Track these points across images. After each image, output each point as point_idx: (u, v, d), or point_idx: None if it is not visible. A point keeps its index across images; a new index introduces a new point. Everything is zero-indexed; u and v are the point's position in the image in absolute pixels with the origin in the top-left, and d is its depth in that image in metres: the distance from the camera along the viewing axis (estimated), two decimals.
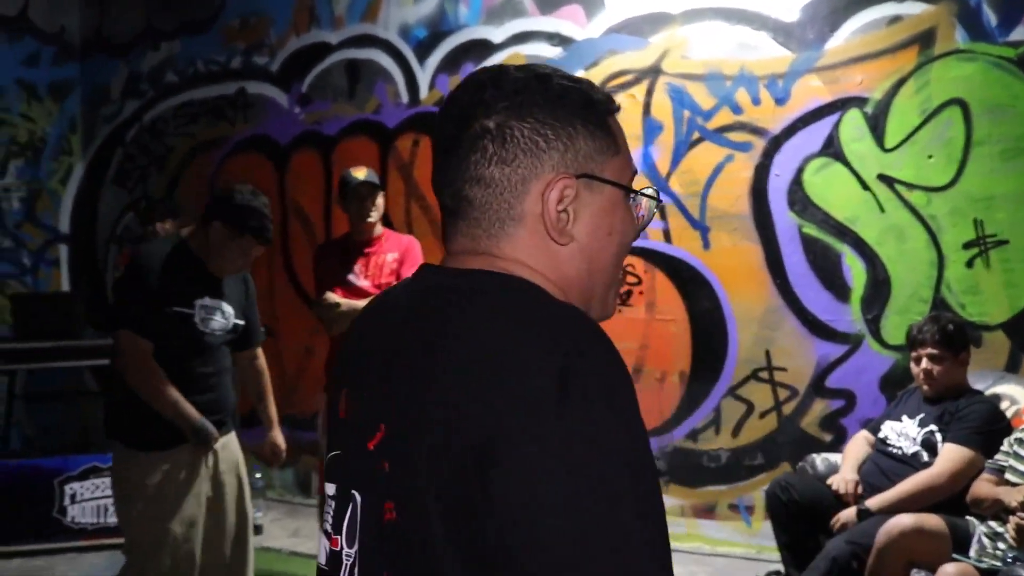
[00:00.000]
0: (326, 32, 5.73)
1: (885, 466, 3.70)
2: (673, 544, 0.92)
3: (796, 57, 4.49)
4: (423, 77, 5.43)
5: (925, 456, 3.60)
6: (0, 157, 6.05)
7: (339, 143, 5.75)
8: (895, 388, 4.20)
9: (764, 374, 4.61)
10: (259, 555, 3.61)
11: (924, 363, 3.68)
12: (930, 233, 4.25)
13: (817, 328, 4.49)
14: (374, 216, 4.19)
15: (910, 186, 4.29)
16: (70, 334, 5.16)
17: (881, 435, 3.82)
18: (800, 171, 4.50)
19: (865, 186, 4.38)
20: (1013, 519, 3.12)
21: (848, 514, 3.58)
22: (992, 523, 3.32)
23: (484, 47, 5.21)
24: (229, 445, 3.31)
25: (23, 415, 5.91)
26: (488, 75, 1.06)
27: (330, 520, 1.05)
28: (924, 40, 4.24)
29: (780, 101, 4.52)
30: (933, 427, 3.62)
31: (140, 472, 3.11)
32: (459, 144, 1.02)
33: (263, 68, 5.99)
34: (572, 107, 1.03)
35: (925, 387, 3.71)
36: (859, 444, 3.94)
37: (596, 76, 4.88)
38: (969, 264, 4.18)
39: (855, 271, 4.42)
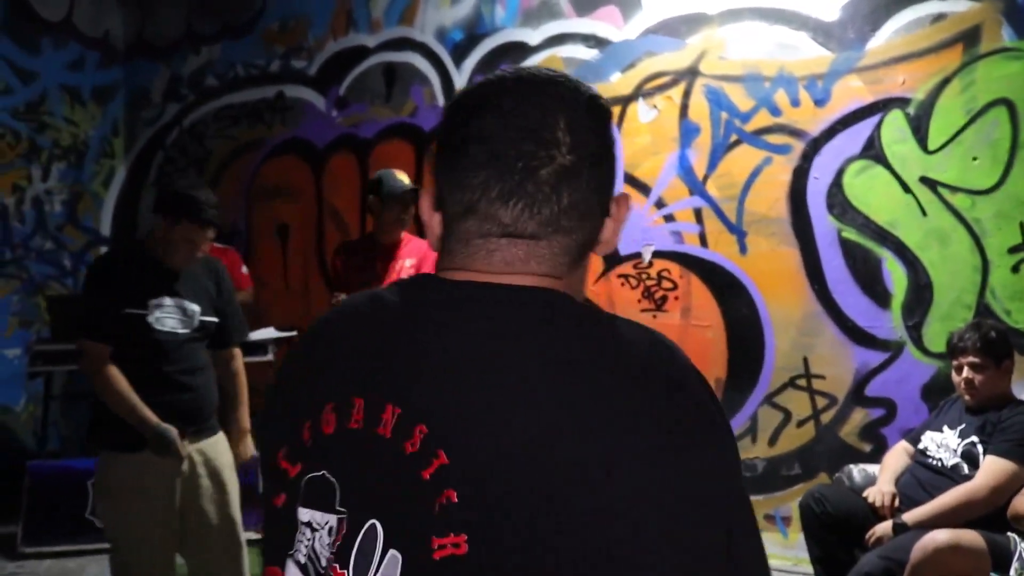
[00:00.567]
0: (363, 35, 5.75)
1: (924, 478, 3.60)
2: None
3: (836, 57, 4.40)
4: (459, 80, 5.42)
5: (965, 468, 3.50)
6: (43, 160, 6.15)
7: (375, 146, 5.76)
8: (937, 397, 4.08)
9: (802, 382, 4.52)
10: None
11: (965, 372, 3.58)
12: (974, 237, 4.14)
13: (857, 335, 4.40)
14: (407, 225, 4.22)
15: (954, 189, 4.18)
16: None
17: (921, 446, 3.72)
18: (840, 174, 4.41)
19: (907, 189, 4.27)
20: None
21: (883, 528, 3.48)
22: None
23: (520, 49, 5.18)
24: (214, 447, 3.27)
25: (60, 416, 5.99)
26: (564, 84, 1.03)
27: (318, 550, 0.97)
28: (969, 38, 4.13)
29: (820, 102, 4.44)
30: (974, 438, 3.52)
31: (107, 472, 3.13)
32: (542, 162, 0.97)
33: (301, 71, 6.03)
34: (609, 120, 1.06)
35: (966, 397, 3.61)
36: (898, 455, 3.85)
37: (633, 78, 4.84)
38: (1015, 269, 4.06)
39: (896, 276, 4.32)
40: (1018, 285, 4.05)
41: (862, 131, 4.36)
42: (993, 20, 4.08)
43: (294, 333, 5.37)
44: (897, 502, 3.61)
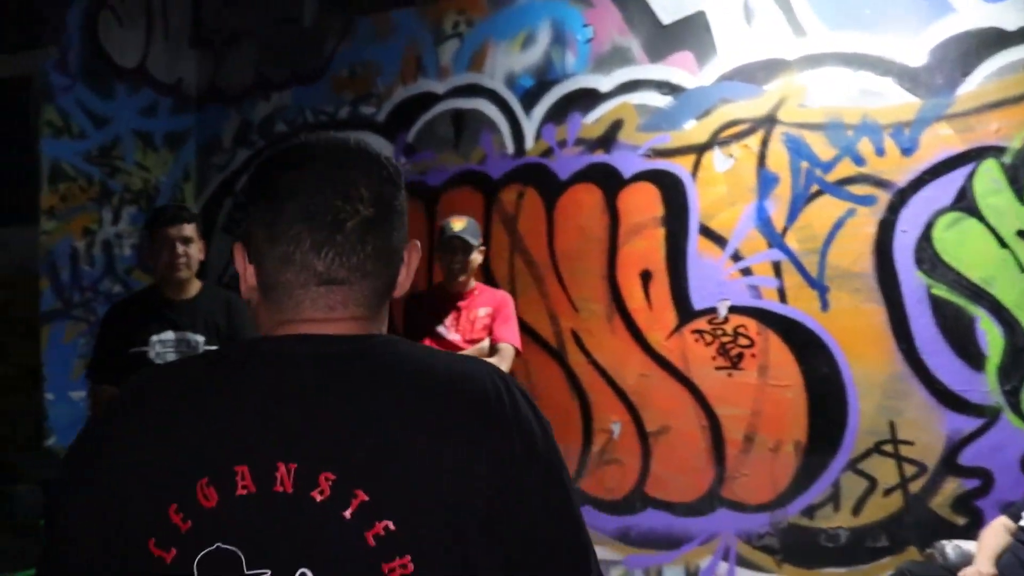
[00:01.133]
0: (432, 81, 5.70)
1: None
2: None
3: (924, 104, 4.19)
4: (529, 127, 5.32)
5: None
6: (114, 204, 6.20)
7: (444, 194, 5.68)
8: None
9: (888, 447, 4.26)
10: None
11: None
12: None
13: (948, 399, 4.13)
14: (461, 274, 4.08)
15: None
16: None
17: (1023, 523, 3.45)
18: (929, 227, 4.19)
19: (1003, 244, 4.03)
20: None
21: None
22: None
23: (591, 96, 5.07)
24: None
25: None
26: (362, 148, 1.23)
27: None
28: None
29: (907, 151, 4.23)
30: None
31: None
32: (349, 215, 1.14)
33: (370, 118, 6.00)
34: (400, 179, 1.26)
35: None
36: (997, 532, 3.57)
37: (708, 126, 4.69)
38: None
39: (991, 337, 4.05)
40: None
41: (953, 181, 4.13)
42: None
43: None
44: None
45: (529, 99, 5.31)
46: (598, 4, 5.05)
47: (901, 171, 4.25)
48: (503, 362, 3.95)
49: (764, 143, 4.56)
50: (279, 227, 1.14)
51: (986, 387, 4.07)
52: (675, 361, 4.81)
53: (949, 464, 4.13)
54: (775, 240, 4.52)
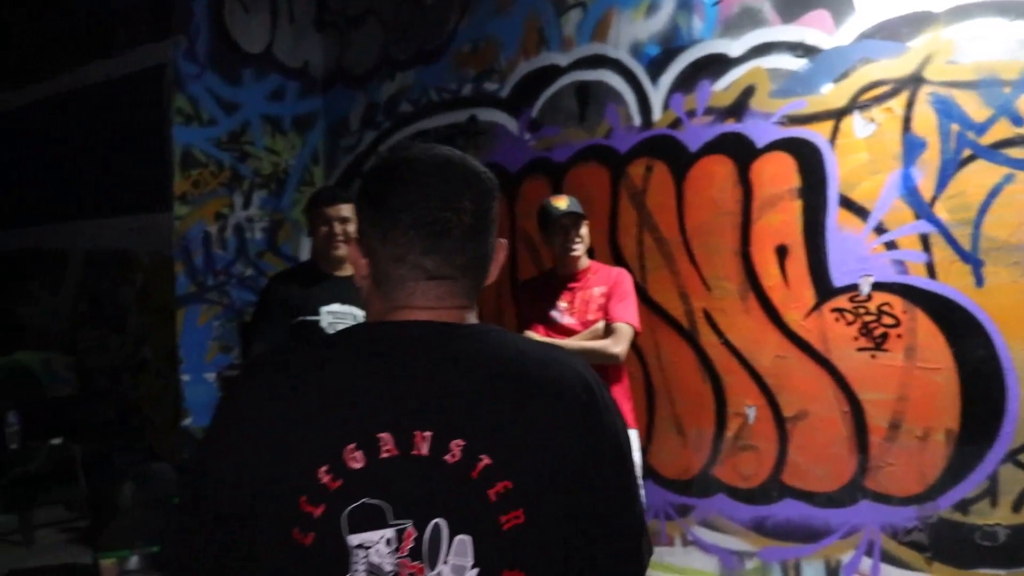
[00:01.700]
0: (555, 54, 5.56)
1: None
2: None
3: None
4: (656, 97, 5.11)
5: None
6: (244, 188, 6.33)
7: (569, 170, 5.54)
8: None
9: None
10: None
11: None
12: None
13: None
14: (579, 248, 3.93)
15: None
16: None
17: None
18: None
19: None
20: None
21: None
22: None
23: (721, 62, 4.82)
24: None
25: None
26: (465, 162, 1.40)
27: (377, 561, 1.25)
28: None
29: None
30: None
31: None
32: (454, 225, 1.35)
33: (493, 94, 5.91)
34: (496, 190, 1.44)
35: None
36: None
37: (847, 88, 4.39)
38: None
39: None
40: None
41: None
42: None
43: None
44: None
45: (655, 68, 5.10)
46: None
47: None
48: (619, 343, 3.77)
49: (909, 105, 4.21)
50: (393, 233, 1.34)
51: None
52: (814, 342, 4.54)
53: None
54: (923, 211, 4.19)
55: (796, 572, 4.61)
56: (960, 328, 4.11)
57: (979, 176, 4.05)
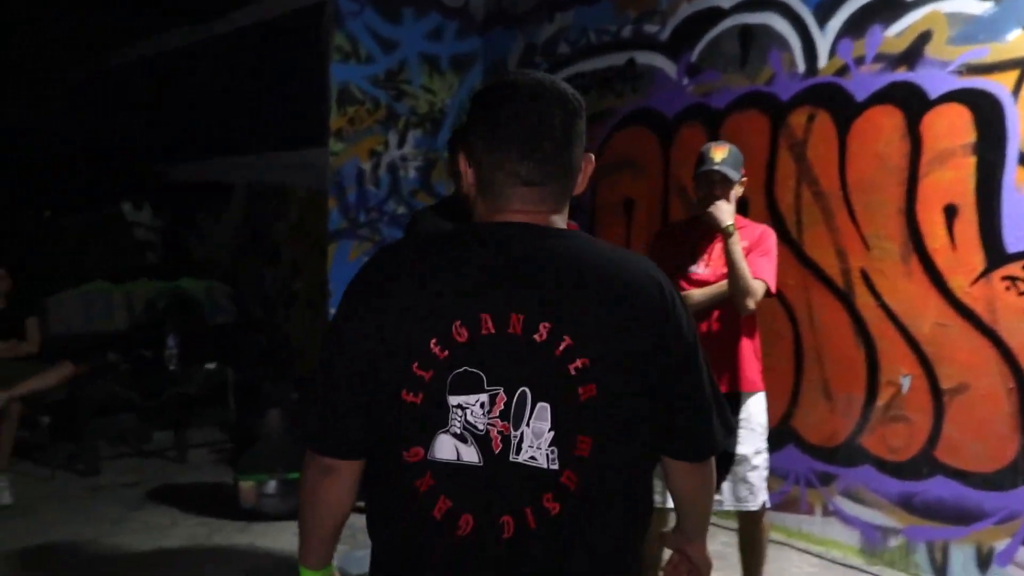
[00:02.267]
0: None
1: None
2: None
3: None
4: (823, 43, 4.87)
5: None
6: (400, 127, 6.43)
7: (727, 117, 5.37)
8: None
9: None
10: None
11: None
12: None
13: None
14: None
15: None
16: None
17: None
18: None
19: None
20: None
21: None
22: None
23: (894, 5, 4.54)
24: None
25: None
26: (556, 85, 1.63)
27: (471, 420, 1.53)
28: None
29: None
30: None
31: None
32: (546, 138, 1.59)
33: (653, 37, 5.76)
34: (583, 109, 1.67)
35: None
36: None
37: None
38: None
39: None
40: None
41: None
42: None
43: None
44: None
45: (823, 11, 4.86)
46: None
47: None
48: (752, 298, 3.61)
49: None
50: (494, 142, 1.59)
51: None
52: (980, 311, 4.27)
53: None
54: None
55: (943, 555, 4.39)
56: None
57: None
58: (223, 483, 5.70)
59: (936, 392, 4.43)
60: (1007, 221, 4.19)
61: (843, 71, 4.76)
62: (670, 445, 1.70)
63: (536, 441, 1.53)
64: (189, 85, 8.43)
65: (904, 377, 4.54)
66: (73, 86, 9.15)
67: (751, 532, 3.91)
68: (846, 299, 4.79)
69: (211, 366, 6.39)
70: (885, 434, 4.62)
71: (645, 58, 5.84)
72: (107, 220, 8.38)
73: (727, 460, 3.74)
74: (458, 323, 1.52)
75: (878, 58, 4.60)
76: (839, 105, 4.78)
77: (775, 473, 4.45)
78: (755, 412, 3.81)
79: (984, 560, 4.25)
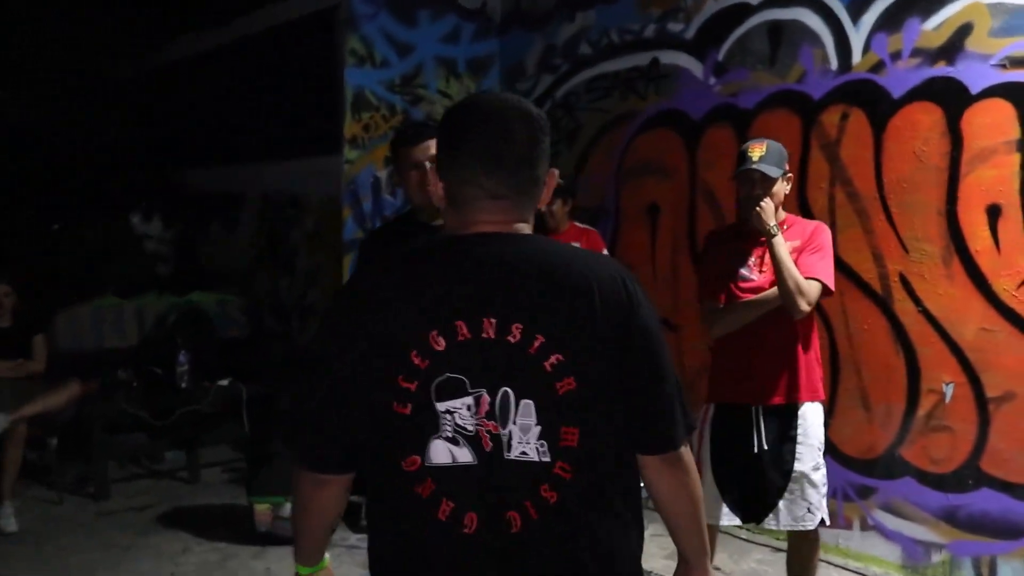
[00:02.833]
0: None
1: None
2: None
3: None
4: (856, 38, 4.77)
5: None
6: None
7: (757, 117, 5.27)
8: None
9: None
10: None
11: None
12: None
13: None
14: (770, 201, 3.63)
15: None
16: None
17: None
18: None
19: None
20: None
21: None
22: None
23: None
24: None
25: None
26: (521, 105, 1.76)
27: (460, 423, 1.64)
28: None
29: None
30: None
31: None
32: (510, 155, 1.71)
33: (678, 35, 5.68)
34: (546, 126, 1.79)
35: None
36: None
37: None
38: None
39: None
40: None
41: None
42: None
43: None
44: None
45: (857, 5, 4.76)
46: None
47: None
48: (804, 298, 3.48)
49: None
50: (461, 160, 1.71)
51: None
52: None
53: None
54: None
55: (990, 570, 4.27)
56: None
57: None
58: (237, 504, 5.61)
59: (981, 401, 4.32)
60: None
61: (878, 67, 4.66)
62: (633, 436, 1.75)
63: (524, 437, 1.64)
64: (198, 93, 8.40)
65: (947, 385, 4.43)
66: (81, 95, 9.13)
67: (805, 552, 3.79)
68: (884, 304, 4.68)
69: (224, 382, 6.30)
70: (927, 445, 4.50)
71: (669, 58, 5.75)
72: (117, 232, 8.34)
73: (784, 478, 3.63)
74: (435, 333, 1.64)
75: (915, 52, 4.50)
76: (874, 103, 4.68)
77: None
78: (813, 424, 3.69)
79: None
